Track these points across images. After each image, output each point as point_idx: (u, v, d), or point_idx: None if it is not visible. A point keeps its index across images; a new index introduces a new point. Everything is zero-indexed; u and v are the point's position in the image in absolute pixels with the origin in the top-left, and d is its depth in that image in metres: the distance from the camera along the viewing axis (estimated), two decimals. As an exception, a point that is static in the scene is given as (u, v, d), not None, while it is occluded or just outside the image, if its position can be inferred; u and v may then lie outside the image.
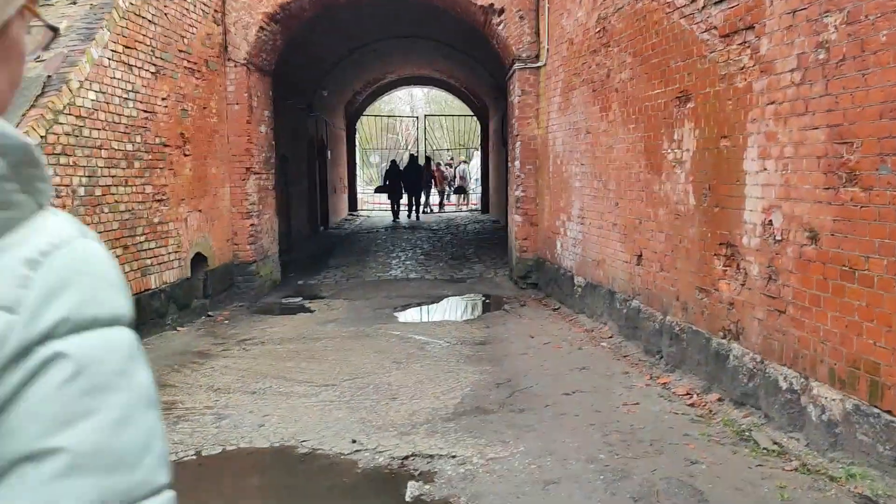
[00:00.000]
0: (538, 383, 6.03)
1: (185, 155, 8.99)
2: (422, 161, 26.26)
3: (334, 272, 13.14)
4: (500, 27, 10.47)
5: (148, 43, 8.06)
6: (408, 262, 14.10)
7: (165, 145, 8.45)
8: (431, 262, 14.00)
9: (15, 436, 0.51)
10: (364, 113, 27.80)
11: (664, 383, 5.96)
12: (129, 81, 7.66)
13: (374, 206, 28.25)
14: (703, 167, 5.76)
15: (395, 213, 24.56)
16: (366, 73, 22.97)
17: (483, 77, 19.82)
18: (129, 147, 7.67)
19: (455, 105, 31.18)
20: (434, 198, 27.54)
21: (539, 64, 10.34)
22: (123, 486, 0.53)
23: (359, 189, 28.26)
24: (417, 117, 28.43)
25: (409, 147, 27.68)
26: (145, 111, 8.01)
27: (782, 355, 4.71)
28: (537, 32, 10.35)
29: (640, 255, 7.03)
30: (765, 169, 4.89)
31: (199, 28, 9.35)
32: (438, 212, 26.81)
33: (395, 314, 9.40)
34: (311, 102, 18.88)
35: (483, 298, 10.56)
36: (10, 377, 0.51)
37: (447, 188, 28.69)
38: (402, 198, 24.92)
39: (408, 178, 25.09)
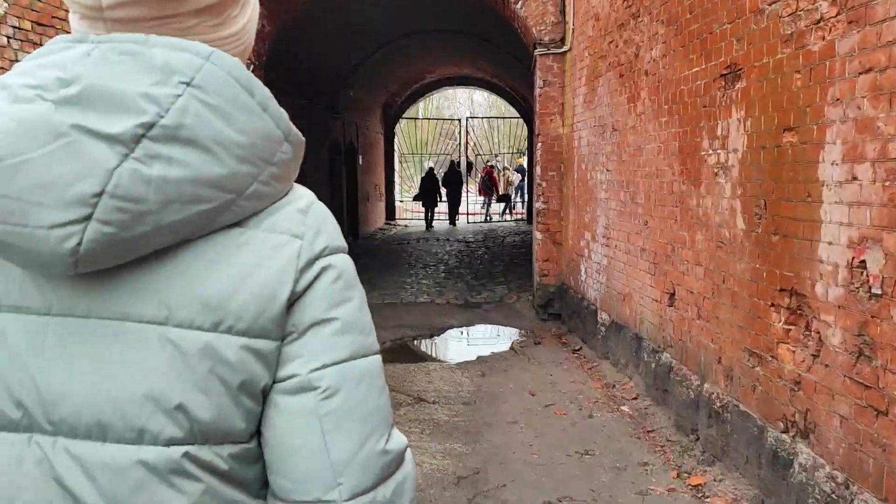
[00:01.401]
0: (515, 480, 4.27)
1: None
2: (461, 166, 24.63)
3: (337, 292, 11.55)
4: (519, 6, 8.73)
5: (74, 22, 6.65)
6: (423, 282, 12.44)
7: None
8: (450, 282, 12.31)
9: (309, 310, 0.81)
10: (403, 116, 26.32)
11: (697, 486, 4.12)
12: (42, 67, 6.25)
13: (413, 215, 26.73)
14: (756, 175, 3.92)
15: (429, 221, 23.21)
16: (401, 73, 21.49)
17: (526, 76, 18.07)
18: (41, 147, 6.25)
19: (504, 108, 29.47)
20: (496, 205, 25.80)
21: (564, 49, 8.55)
22: (366, 344, 0.84)
23: (397, 196, 26.76)
24: (459, 120, 26.76)
25: (467, 151, 26.01)
26: (68, 104, 6.59)
27: (881, 484, 2.85)
28: (562, 11, 8.56)
29: (673, 294, 5.19)
30: (854, 178, 3.05)
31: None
32: (497, 220, 25.01)
33: (379, 351, 7.73)
34: (335, 103, 17.47)
35: (493, 332, 8.80)
36: (305, 276, 0.81)
37: (512, 194, 26.85)
38: (436, 206, 23.51)
39: (448, 186, 23.74)
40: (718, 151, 4.38)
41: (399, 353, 7.77)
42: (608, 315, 6.86)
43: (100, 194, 0.69)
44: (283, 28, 10.50)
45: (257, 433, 0.81)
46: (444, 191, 24.23)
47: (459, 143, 26.02)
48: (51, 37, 6.25)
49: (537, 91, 8.86)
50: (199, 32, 0.82)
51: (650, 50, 5.62)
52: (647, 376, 5.67)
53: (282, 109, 0.83)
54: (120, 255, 0.73)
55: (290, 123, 0.84)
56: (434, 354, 7.65)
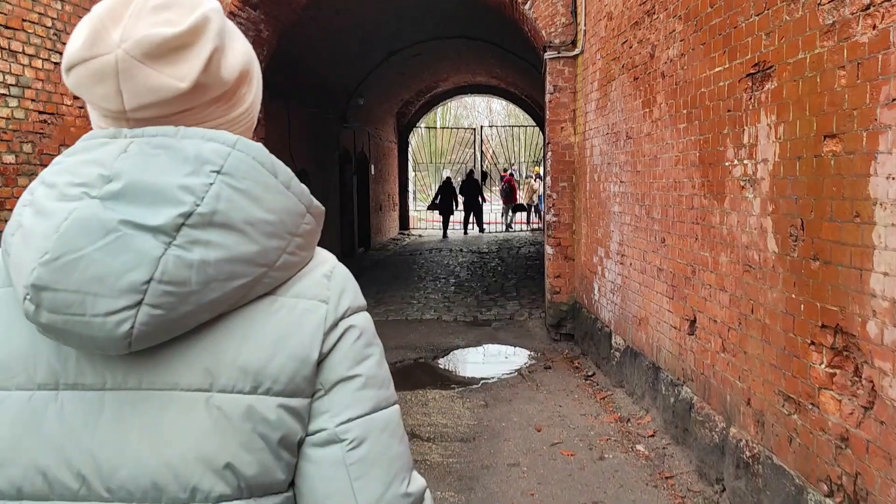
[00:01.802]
0: (511, 540, 3.72)
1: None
2: (476, 175, 24.15)
3: (341, 308, 11.05)
4: (527, 6, 8.20)
5: (48, 24, 6.24)
6: (432, 296, 11.91)
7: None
8: (459, 297, 11.77)
9: (335, 368, 0.89)
10: (417, 125, 25.87)
11: (723, 551, 3.54)
12: (12, 73, 5.84)
13: (427, 225, 26.24)
14: (790, 189, 3.35)
15: (445, 230, 22.89)
16: (413, 81, 21.03)
17: (541, 83, 17.53)
18: (10, 159, 5.84)
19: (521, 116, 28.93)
20: (519, 215, 25.19)
21: (575, 52, 8.00)
22: (385, 396, 0.92)
23: (411, 206, 26.29)
24: (475, 129, 26.25)
25: (482, 161, 25.48)
26: (41, 112, 6.17)
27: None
28: (574, 11, 8.02)
29: (694, 322, 4.62)
30: (917, 196, 2.48)
31: (141, 13, 7.50)
32: (518, 230, 24.39)
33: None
34: (345, 112, 17.05)
35: (500, 354, 8.24)
36: (330, 337, 0.89)
37: (535, 202, 26.24)
38: (452, 214, 23.09)
39: (465, 195, 23.37)
40: (745, 162, 3.81)
41: (397, 378, 7.19)
42: (623, 339, 6.28)
43: (149, 281, 0.78)
44: (283, 33, 10.06)
45: (292, 483, 0.89)
46: (461, 199, 23.82)
47: (475, 152, 25.48)
48: (21, 41, 5.83)
49: (547, 97, 8.32)
50: (215, 117, 0.92)
51: (666, 49, 5.07)
52: (666, 411, 5.09)
53: (303, 186, 0.92)
54: (167, 333, 0.82)
55: (311, 196, 0.93)
56: (435, 380, 7.10)
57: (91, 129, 0.93)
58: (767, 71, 3.57)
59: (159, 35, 0.83)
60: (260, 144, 0.88)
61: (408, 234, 24.04)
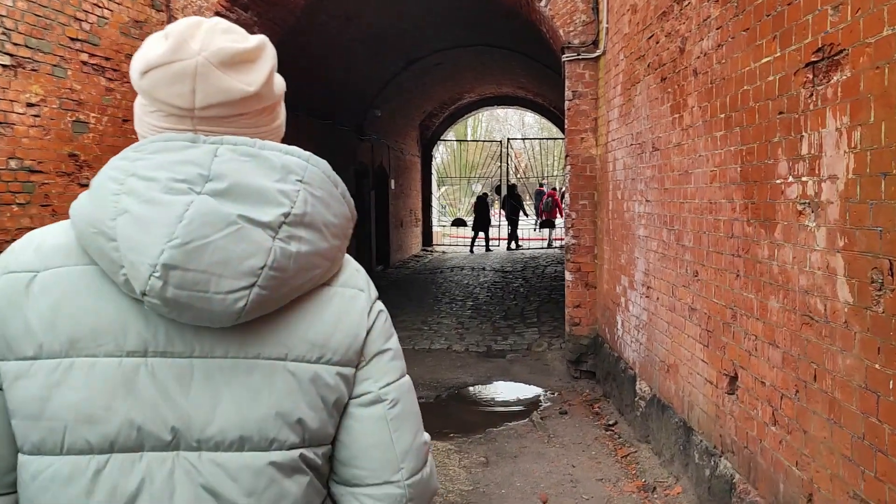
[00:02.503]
0: None
1: (82, 185, 6.40)
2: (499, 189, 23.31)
3: (346, 334, 10.23)
4: (543, 3, 7.33)
5: (-4, 24, 5.55)
6: (445, 321, 11.02)
7: (35, 171, 5.88)
8: (474, 323, 10.86)
9: (374, 343, 1.10)
10: (442, 138, 25.09)
11: None
12: (-52, 79, 5.15)
13: (451, 241, 25.38)
14: (871, 218, 2.41)
15: (472, 245, 22.35)
16: (436, 92, 20.26)
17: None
18: (-55, 175, 5.13)
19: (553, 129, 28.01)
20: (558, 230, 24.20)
21: (596, 53, 7.10)
22: (405, 365, 1.15)
23: (434, 221, 25.46)
24: (500, 141, 25.37)
25: (508, 174, 24.59)
26: (-14, 122, 5.47)
27: None
28: (595, 7, 7.13)
29: (734, 379, 3.67)
30: None
31: (115, 10, 6.81)
32: (547, 247, 23.40)
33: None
34: (362, 123, 16.31)
35: (511, 393, 7.31)
36: (370, 318, 1.10)
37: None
38: (485, 230, 22.41)
39: (508, 210, 22.69)
40: (804, 179, 2.88)
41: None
42: (648, 386, 5.32)
43: (262, 267, 0.97)
44: (283, 39, 9.34)
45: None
46: (501, 213, 23.22)
47: (501, 165, 24.61)
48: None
49: (566, 104, 7.43)
50: (261, 125, 1.10)
51: (699, 41, 4.15)
52: (700, 486, 4.12)
53: (351, 198, 1.12)
54: (265, 310, 1.00)
55: (353, 204, 1.14)
56: (432, 428, 6.19)
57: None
58: (835, 57, 2.65)
59: (234, 48, 1.02)
60: (325, 161, 1.09)
61: (431, 251, 23.19)
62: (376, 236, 17.91)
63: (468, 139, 33.78)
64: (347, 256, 1.15)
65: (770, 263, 3.21)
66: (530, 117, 39.43)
